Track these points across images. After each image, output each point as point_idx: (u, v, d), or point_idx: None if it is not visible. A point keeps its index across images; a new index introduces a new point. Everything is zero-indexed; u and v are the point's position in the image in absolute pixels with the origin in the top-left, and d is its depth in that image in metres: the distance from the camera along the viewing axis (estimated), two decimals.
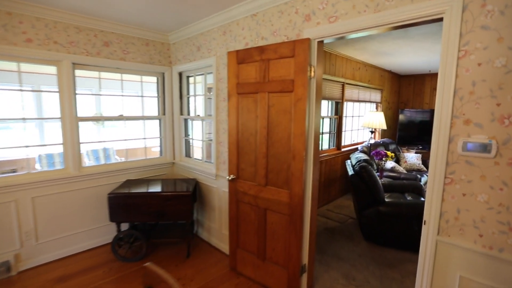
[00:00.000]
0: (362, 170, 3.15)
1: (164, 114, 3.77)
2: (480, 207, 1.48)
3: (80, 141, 3.07)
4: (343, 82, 4.79)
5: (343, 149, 5.12)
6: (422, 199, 3.68)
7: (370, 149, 4.73)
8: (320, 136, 4.85)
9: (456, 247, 1.56)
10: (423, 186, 3.95)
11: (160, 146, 3.86)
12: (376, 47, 4.06)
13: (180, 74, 3.68)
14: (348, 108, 5.38)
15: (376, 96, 6.05)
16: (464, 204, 1.53)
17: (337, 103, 4.92)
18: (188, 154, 3.80)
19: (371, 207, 3.18)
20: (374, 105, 6.23)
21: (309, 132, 2.19)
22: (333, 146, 5.02)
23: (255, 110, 2.42)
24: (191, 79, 3.65)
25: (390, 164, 4.74)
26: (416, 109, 6.90)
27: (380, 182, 3.22)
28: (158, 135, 3.83)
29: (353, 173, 3.28)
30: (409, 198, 3.67)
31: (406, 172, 4.85)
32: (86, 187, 3.12)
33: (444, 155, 1.57)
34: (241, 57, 2.46)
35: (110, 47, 3.14)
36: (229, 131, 2.63)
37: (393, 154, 4.24)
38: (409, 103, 7.23)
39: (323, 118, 4.68)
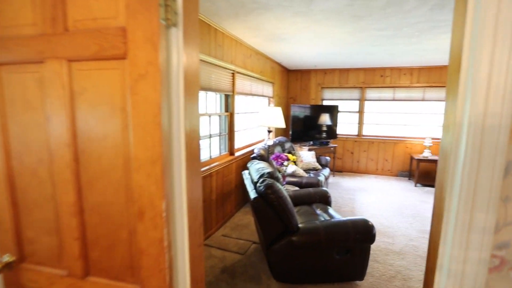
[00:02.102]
0: (269, 190, 2.20)
1: None
2: None
3: None
4: (234, 70, 3.80)
5: (237, 153, 4.18)
6: (331, 209, 3.12)
7: (268, 152, 3.96)
8: (209, 139, 3.74)
9: None
10: (328, 192, 3.43)
11: None
12: (272, 26, 3.23)
13: None
14: (240, 103, 4.46)
15: (268, 90, 5.41)
16: None
17: (226, 97, 3.89)
18: None
19: (282, 238, 2.29)
20: (266, 99, 5.60)
21: (173, 152, 0.98)
22: (225, 151, 3.99)
23: (42, 104, 1.02)
24: None
25: (291, 168, 4.11)
26: (304, 104, 6.78)
27: (291, 202, 2.37)
28: None
29: (256, 195, 2.30)
30: (318, 211, 3.03)
31: (306, 175, 4.36)
32: None
33: (487, 203, 0.67)
34: None
35: None
36: None
37: (295, 158, 3.57)
38: (297, 99, 7.09)
39: (209, 116, 3.56)
